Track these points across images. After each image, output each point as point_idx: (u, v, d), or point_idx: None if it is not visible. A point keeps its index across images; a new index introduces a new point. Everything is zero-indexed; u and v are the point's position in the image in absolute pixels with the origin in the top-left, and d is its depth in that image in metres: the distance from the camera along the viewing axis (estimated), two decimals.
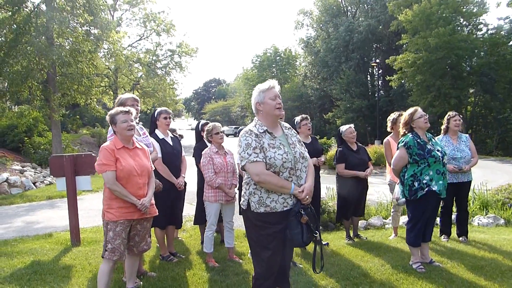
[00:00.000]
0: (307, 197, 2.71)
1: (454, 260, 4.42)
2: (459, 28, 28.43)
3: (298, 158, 2.77)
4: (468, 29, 29.62)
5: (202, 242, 5.18)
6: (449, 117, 5.38)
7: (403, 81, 31.15)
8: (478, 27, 29.80)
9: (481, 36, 29.15)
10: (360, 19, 37.88)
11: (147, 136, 4.22)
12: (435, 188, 4.02)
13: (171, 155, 4.60)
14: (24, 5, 15.13)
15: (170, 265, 4.47)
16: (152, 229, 4.54)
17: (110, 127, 3.56)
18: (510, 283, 3.68)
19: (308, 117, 5.30)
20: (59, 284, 3.92)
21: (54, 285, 3.89)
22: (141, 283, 3.85)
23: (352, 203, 5.49)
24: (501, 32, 28.52)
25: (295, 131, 3.02)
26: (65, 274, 4.23)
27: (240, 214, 4.83)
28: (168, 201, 4.50)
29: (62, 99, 16.66)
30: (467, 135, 5.56)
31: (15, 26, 14.66)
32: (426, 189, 4.01)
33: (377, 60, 35.22)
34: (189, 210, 6.29)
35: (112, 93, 28.43)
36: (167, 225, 4.66)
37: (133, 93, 29.07)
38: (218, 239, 5.49)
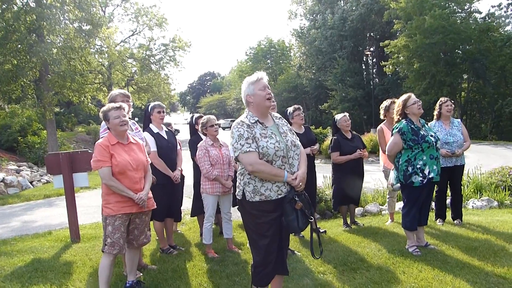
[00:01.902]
0: (300, 184, 2.76)
1: (449, 242, 4.50)
2: (452, 15, 28.44)
3: (290, 147, 2.82)
4: (461, 15, 29.64)
5: (201, 234, 5.24)
6: (441, 102, 5.44)
7: (397, 68, 31.13)
8: (471, 15, 29.85)
9: (473, 22, 29.20)
10: (353, 7, 37.72)
11: (139, 131, 4.24)
12: (431, 175, 4.10)
13: (167, 149, 4.63)
14: (12, 2, 14.96)
15: (170, 258, 4.52)
16: (151, 222, 4.59)
17: (102, 123, 3.58)
18: (502, 262, 3.77)
19: (301, 108, 5.33)
20: (60, 280, 3.96)
21: (55, 281, 3.93)
22: (142, 275, 3.91)
23: (348, 190, 5.54)
24: (493, 18, 28.63)
25: (286, 121, 3.07)
26: (66, 270, 4.27)
27: (233, 206, 4.90)
28: (165, 194, 4.53)
29: (54, 98, 16.56)
30: (459, 120, 5.63)
31: (4, 23, 14.50)
32: (424, 178, 4.07)
33: (371, 49, 35.18)
34: (188, 203, 6.33)
35: (106, 89, 28.28)
36: (165, 218, 4.71)
37: (128, 89, 29.03)
38: (217, 230, 5.55)
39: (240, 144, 2.73)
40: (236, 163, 4.72)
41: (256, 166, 2.68)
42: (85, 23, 16.82)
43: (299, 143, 2.95)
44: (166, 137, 4.71)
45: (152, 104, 4.78)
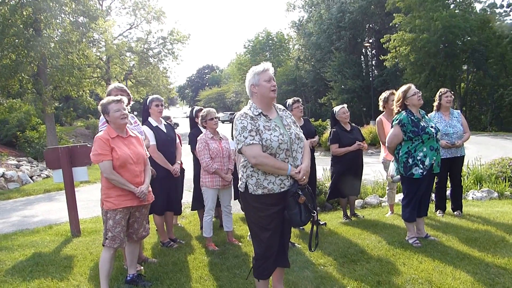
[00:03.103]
0: (304, 177, 2.73)
1: (449, 233, 4.51)
2: (453, 5, 28.32)
3: (294, 139, 2.79)
4: (462, 6, 29.49)
5: (201, 227, 5.24)
6: (440, 93, 5.42)
7: (396, 60, 30.98)
8: (471, 5, 29.72)
9: (473, 13, 29.08)
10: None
11: (138, 124, 4.22)
12: (427, 163, 4.08)
13: (166, 142, 4.62)
14: None
15: (171, 251, 4.53)
16: (151, 216, 4.58)
17: (101, 117, 3.55)
18: (503, 253, 3.78)
19: (300, 100, 5.29)
20: (61, 274, 3.97)
21: (56, 275, 3.94)
22: (142, 268, 3.91)
23: (347, 182, 5.54)
24: (494, 9, 28.54)
25: (289, 113, 3.03)
26: (67, 264, 4.28)
27: (235, 199, 4.89)
28: (164, 188, 4.53)
29: (54, 92, 16.50)
30: (459, 111, 5.61)
31: (0, 18, 14.39)
32: (424, 170, 4.06)
33: (370, 40, 35.01)
34: (188, 197, 6.33)
35: (104, 83, 28.17)
36: (165, 212, 4.71)
37: (126, 83, 28.92)
38: (217, 223, 5.56)
39: (244, 136, 2.70)
40: (235, 156, 4.73)
41: (260, 159, 2.66)
42: (81, 16, 16.71)
43: (303, 136, 2.91)
44: (165, 130, 4.69)
45: (150, 97, 4.75)
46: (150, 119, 4.65)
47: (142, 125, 4.50)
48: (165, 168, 4.53)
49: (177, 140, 4.94)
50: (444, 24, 25.61)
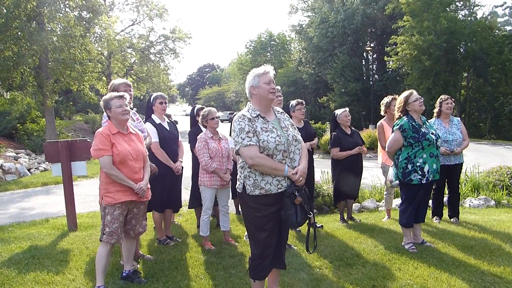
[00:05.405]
0: (300, 178, 2.76)
1: (445, 240, 4.52)
2: (456, 11, 28.40)
3: (291, 141, 2.82)
4: (464, 12, 29.60)
5: (198, 226, 5.25)
6: (441, 100, 5.43)
7: (400, 64, 30.89)
8: (473, 11, 29.81)
9: (476, 20, 29.15)
10: (356, 2, 37.36)
11: (140, 121, 4.23)
12: (430, 176, 4.10)
13: (168, 140, 4.63)
14: None
15: (167, 249, 4.54)
16: (150, 213, 4.59)
17: (104, 114, 3.56)
18: (498, 262, 3.79)
19: (303, 102, 5.31)
20: (57, 267, 3.98)
21: (52, 268, 3.94)
22: (139, 266, 3.92)
23: (347, 186, 5.56)
24: (495, 17, 28.62)
25: (287, 115, 3.06)
26: (63, 258, 4.29)
27: (232, 198, 4.89)
28: (166, 185, 4.54)
29: (55, 85, 16.48)
30: (459, 118, 5.63)
31: (4, 10, 14.36)
32: (423, 177, 4.08)
33: (372, 44, 35.05)
34: (185, 195, 6.32)
35: (105, 79, 28.15)
36: (165, 209, 4.71)
37: (127, 79, 28.86)
38: (214, 222, 5.56)
39: (241, 137, 2.74)
40: (234, 155, 4.74)
41: (256, 159, 2.68)
42: (85, 11, 16.69)
43: (301, 138, 2.95)
44: (168, 128, 4.71)
45: (154, 94, 4.77)
46: (153, 116, 4.66)
47: (145, 122, 4.52)
48: (167, 166, 4.54)
49: (180, 138, 4.95)
50: (449, 24, 25.59)
